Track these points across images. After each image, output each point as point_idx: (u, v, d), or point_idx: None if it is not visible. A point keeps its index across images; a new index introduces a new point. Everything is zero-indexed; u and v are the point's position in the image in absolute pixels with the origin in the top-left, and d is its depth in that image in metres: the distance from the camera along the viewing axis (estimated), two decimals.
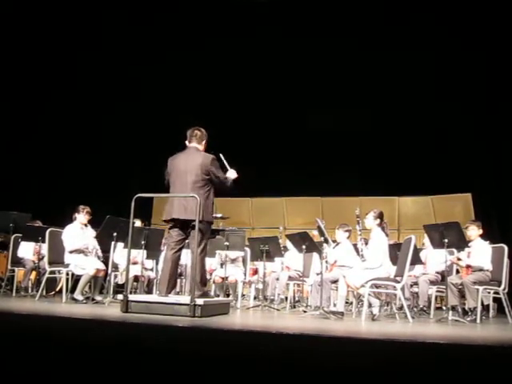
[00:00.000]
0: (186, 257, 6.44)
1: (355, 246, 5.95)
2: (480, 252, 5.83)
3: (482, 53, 8.43)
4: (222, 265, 7.14)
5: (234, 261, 7.28)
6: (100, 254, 6.55)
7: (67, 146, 9.82)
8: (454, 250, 6.26)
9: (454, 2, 8.01)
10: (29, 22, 8.62)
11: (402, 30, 8.52)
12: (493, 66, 8.56)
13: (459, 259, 5.94)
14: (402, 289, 5.54)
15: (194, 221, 4.53)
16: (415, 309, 6.55)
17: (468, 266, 5.86)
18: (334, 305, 5.78)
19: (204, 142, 5.10)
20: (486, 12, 7.94)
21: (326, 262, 6.48)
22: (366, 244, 5.59)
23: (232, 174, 5.03)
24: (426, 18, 8.32)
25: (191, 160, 4.88)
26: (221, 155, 5.05)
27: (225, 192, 5.16)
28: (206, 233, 4.83)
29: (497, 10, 7.78)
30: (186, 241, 5.03)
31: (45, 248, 6.51)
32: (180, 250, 4.94)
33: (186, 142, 5.09)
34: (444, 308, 6.13)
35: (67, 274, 6.22)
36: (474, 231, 6.00)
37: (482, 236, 6.05)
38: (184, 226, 4.86)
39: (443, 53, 8.67)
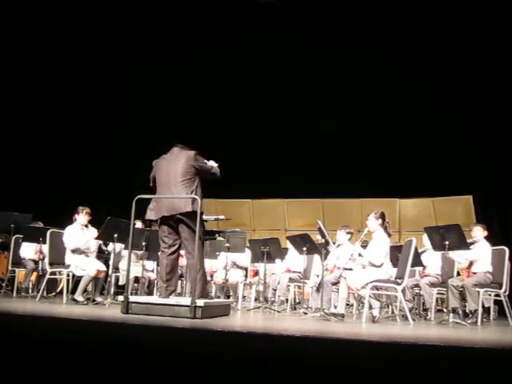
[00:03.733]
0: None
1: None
2: (480, 252, 5.83)
3: (482, 53, 8.41)
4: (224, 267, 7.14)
5: (235, 264, 7.31)
6: (104, 247, 6.55)
7: (68, 146, 9.83)
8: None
9: (453, 1, 7.99)
10: (30, 27, 8.63)
11: (402, 30, 8.51)
12: (493, 67, 8.55)
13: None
14: (403, 291, 5.54)
15: (184, 217, 4.59)
16: (420, 311, 6.54)
17: (469, 267, 5.86)
18: (335, 307, 5.77)
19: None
20: (487, 12, 7.92)
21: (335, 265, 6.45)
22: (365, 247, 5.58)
23: (213, 162, 5.02)
24: (425, 18, 8.30)
25: (175, 159, 4.85)
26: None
27: (216, 181, 5.08)
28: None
29: (498, 9, 7.76)
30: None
31: (45, 249, 6.52)
32: (175, 251, 4.86)
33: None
34: (445, 310, 6.12)
35: (68, 275, 6.22)
36: (479, 233, 6.00)
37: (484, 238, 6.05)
38: (174, 224, 4.77)
39: (443, 53, 8.65)
